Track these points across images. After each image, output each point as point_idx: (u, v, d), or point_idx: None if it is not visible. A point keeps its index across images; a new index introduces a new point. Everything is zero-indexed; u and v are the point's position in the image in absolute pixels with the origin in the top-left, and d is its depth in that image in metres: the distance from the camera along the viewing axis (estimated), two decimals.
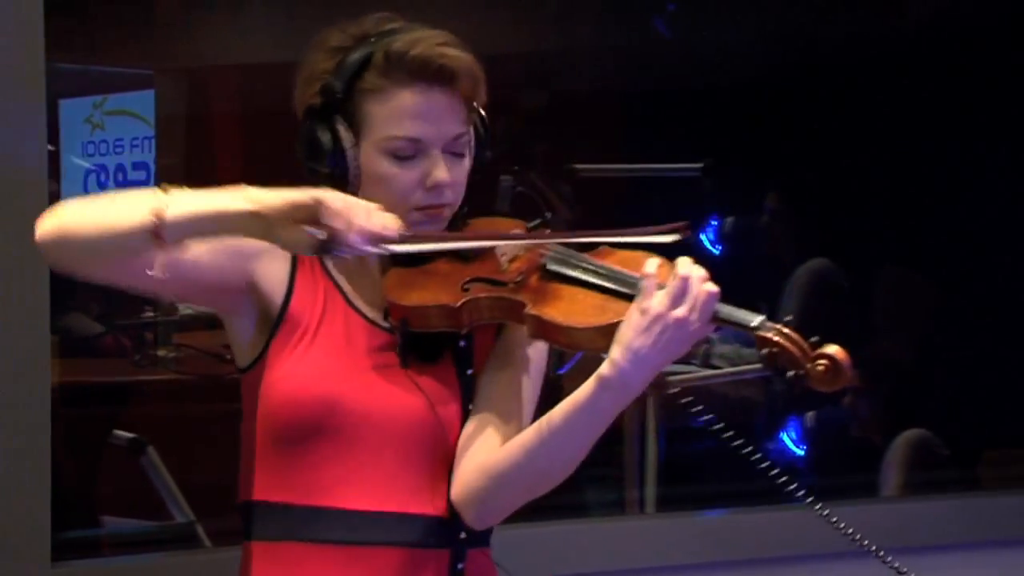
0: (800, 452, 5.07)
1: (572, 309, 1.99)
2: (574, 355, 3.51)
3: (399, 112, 2.05)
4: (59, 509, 2.84)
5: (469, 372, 2.09)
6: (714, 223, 4.94)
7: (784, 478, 2.62)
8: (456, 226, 2.14)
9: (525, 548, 3.15)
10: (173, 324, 4.34)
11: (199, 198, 1.94)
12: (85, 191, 4.53)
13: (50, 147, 2.98)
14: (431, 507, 2.04)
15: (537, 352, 2.13)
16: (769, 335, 1.94)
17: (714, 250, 5.11)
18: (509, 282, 2.05)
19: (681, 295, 1.91)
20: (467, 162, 2.11)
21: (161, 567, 3.10)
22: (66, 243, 1.96)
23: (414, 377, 2.06)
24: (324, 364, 2.05)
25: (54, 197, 2.43)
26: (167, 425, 4.07)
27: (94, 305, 4.50)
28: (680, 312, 1.91)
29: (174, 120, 4.65)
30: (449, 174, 2.07)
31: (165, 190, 1.94)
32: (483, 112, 2.15)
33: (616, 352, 1.92)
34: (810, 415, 5.09)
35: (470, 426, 2.08)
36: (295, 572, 2.03)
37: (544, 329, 2.00)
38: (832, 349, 1.94)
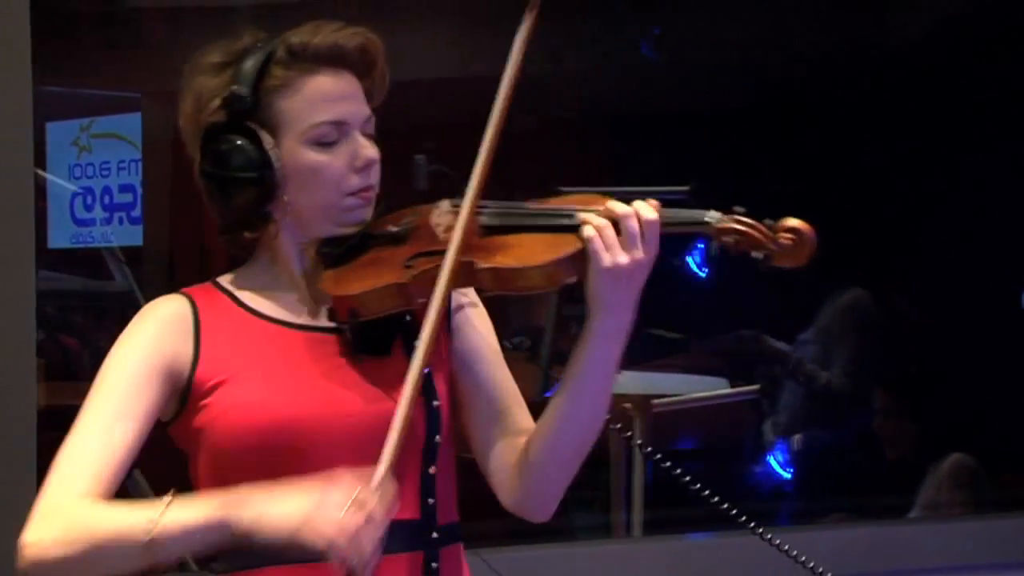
0: (787, 475, 5.07)
1: (523, 253, 1.95)
2: (556, 382, 3.51)
3: (315, 98, 2.00)
4: None
5: (426, 370, 2.00)
6: (700, 246, 4.94)
7: (726, 505, 2.63)
8: (379, 215, 2.06)
9: (513, 572, 3.15)
10: None
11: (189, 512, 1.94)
12: (72, 214, 4.53)
13: (37, 170, 2.98)
14: (402, 511, 1.94)
15: (491, 330, 2.12)
16: (727, 225, 1.98)
17: (701, 273, 5.11)
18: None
19: (632, 241, 1.94)
20: (376, 147, 2.07)
21: None
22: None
23: (368, 375, 2.00)
24: (266, 391, 1.98)
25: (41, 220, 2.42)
26: (154, 448, 4.05)
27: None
28: (637, 255, 1.94)
29: (161, 143, 4.64)
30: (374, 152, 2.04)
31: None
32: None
33: (597, 307, 1.94)
34: (797, 438, 5.09)
35: (488, 435, 2.06)
36: None
37: (501, 279, 1.96)
38: (792, 221, 1.97)
